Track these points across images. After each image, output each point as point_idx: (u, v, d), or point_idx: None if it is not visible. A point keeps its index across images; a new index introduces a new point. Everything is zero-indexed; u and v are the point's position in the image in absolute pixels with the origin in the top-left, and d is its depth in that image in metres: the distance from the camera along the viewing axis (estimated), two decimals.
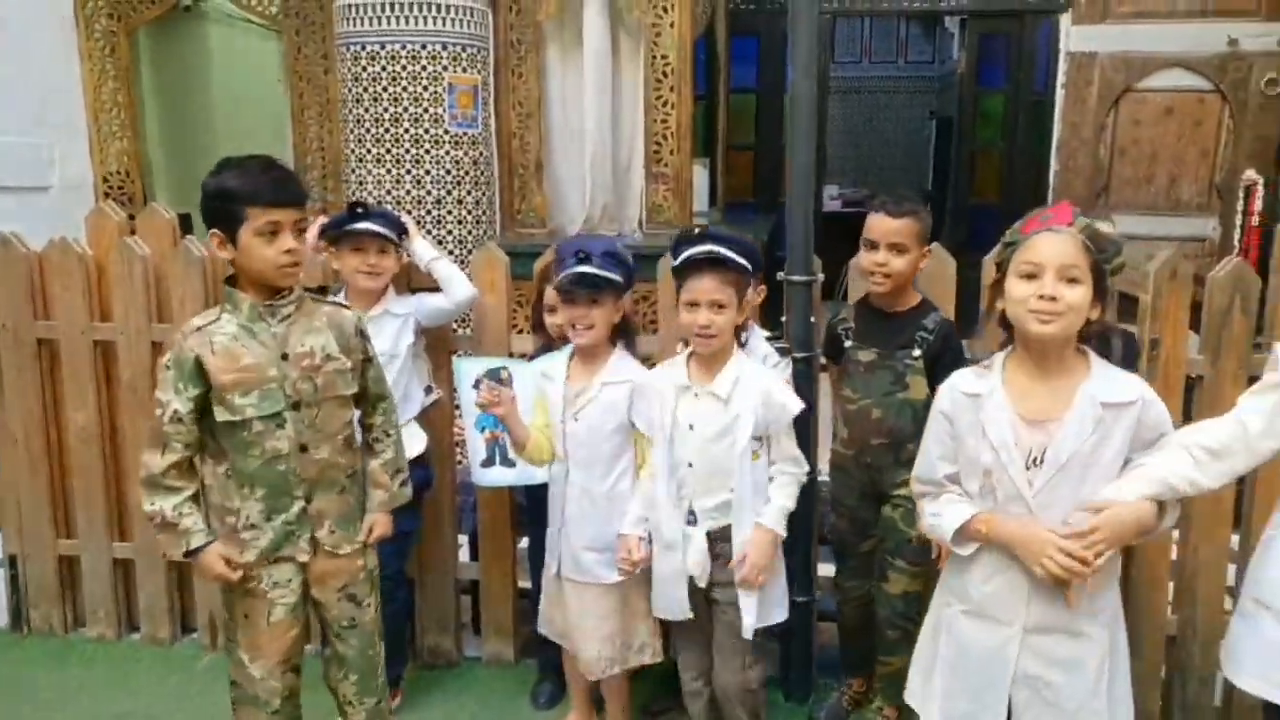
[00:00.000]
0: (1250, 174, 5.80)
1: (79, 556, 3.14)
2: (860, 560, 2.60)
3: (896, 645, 2.48)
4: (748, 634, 2.22)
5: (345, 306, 2.17)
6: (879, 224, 2.39)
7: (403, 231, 2.67)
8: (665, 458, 2.21)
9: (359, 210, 2.62)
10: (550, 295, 2.50)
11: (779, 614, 2.32)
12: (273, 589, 2.05)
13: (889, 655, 2.55)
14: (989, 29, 7.34)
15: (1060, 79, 6.07)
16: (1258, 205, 5.48)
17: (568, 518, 2.35)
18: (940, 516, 1.79)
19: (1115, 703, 1.76)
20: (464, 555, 3.06)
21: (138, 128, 4.47)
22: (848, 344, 2.53)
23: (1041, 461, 1.68)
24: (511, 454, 2.52)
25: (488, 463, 2.70)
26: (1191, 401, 2.61)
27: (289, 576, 2.06)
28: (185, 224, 3.12)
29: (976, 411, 1.74)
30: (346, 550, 2.12)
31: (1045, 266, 1.66)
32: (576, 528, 2.34)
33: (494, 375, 2.61)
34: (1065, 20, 6.06)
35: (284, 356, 1.97)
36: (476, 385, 2.58)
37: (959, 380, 1.82)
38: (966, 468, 1.78)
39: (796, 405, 2.22)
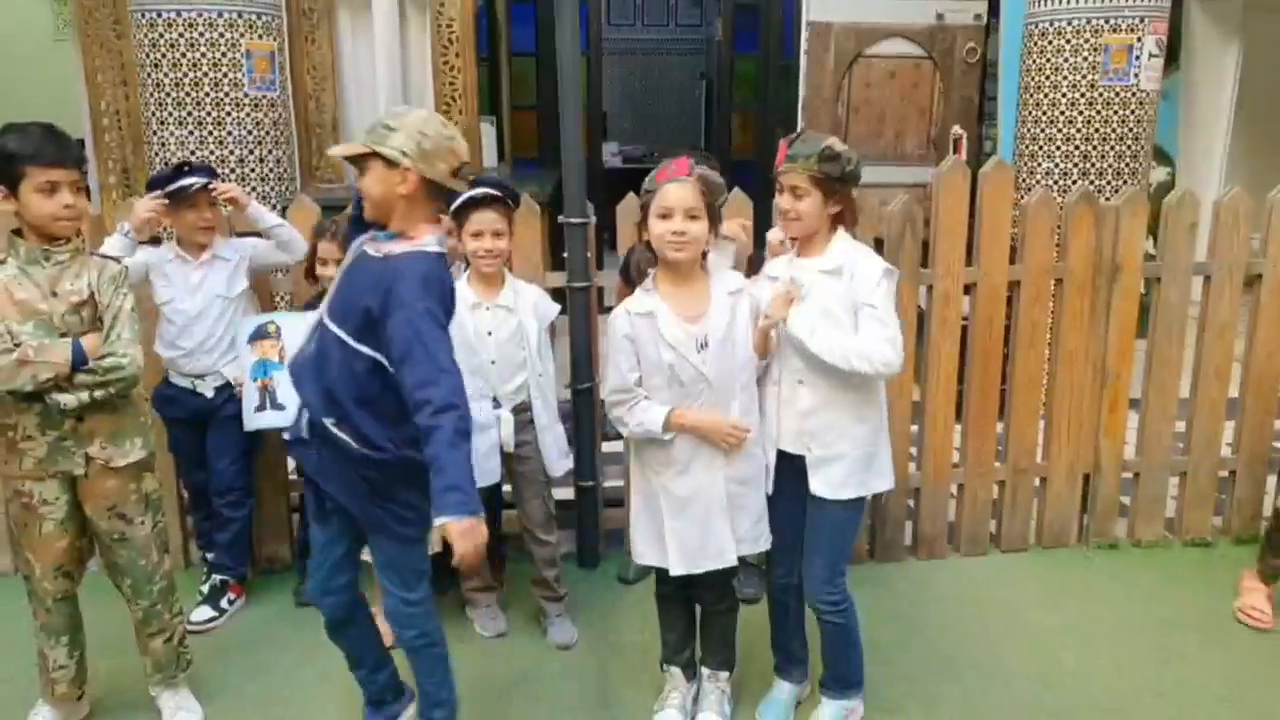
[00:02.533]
0: (957, 129, 6.84)
1: None
2: None
3: None
4: (555, 472, 2.96)
5: (116, 260, 2.43)
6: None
7: (213, 175, 3.06)
8: (465, 362, 2.75)
9: (185, 169, 2.97)
10: (322, 249, 2.96)
11: (566, 464, 3.06)
12: (41, 505, 2.38)
13: None
14: (742, 0, 8.12)
15: (803, 46, 6.75)
16: (964, 154, 6.51)
17: None
18: (643, 422, 2.33)
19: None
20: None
21: None
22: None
23: (706, 344, 2.30)
24: (281, 399, 2.97)
25: (260, 408, 3.04)
26: None
27: (56, 494, 2.37)
28: None
29: (652, 323, 2.31)
30: (119, 463, 2.37)
31: (674, 209, 2.23)
32: None
33: (263, 332, 3.04)
34: None
35: (54, 294, 2.29)
36: (250, 341, 3.03)
37: (631, 304, 2.36)
38: (649, 370, 2.34)
39: (555, 306, 2.97)
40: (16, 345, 2.23)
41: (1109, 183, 4.69)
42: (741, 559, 2.43)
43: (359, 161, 2.13)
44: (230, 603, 3.17)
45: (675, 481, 2.37)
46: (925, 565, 3.51)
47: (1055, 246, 3.43)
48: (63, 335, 2.28)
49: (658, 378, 2.33)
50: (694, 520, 2.37)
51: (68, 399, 2.26)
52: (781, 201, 2.31)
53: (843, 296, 2.29)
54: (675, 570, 2.39)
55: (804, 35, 6.79)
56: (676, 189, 2.24)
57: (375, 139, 2.08)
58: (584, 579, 3.40)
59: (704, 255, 2.35)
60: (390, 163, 2.06)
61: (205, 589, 3.18)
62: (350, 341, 2.10)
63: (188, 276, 3.05)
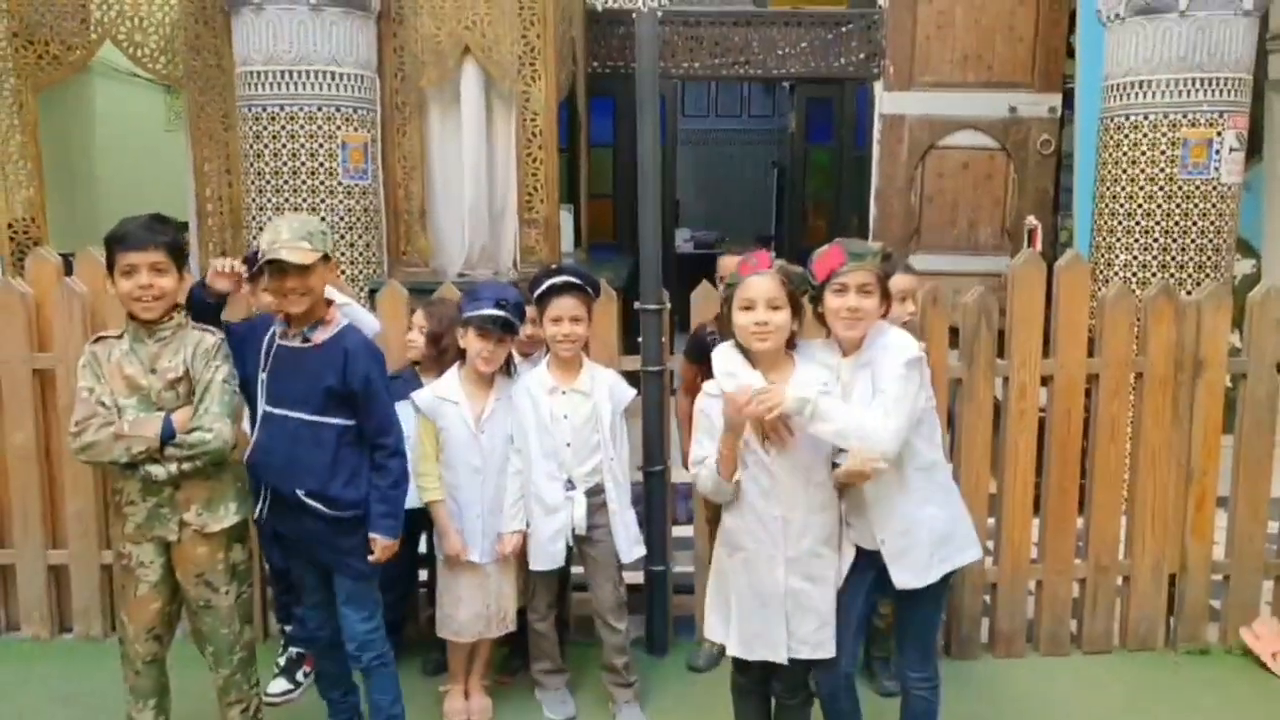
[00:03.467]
0: (1031, 219, 6.83)
1: (14, 565, 3.46)
2: None
3: None
4: (626, 558, 2.96)
5: (213, 333, 2.53)
6: (725, 261, 3.15)
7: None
8: (539, 444, 2.87)
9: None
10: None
11: (639, 550, 3.04)
12: (139, 567, 2.49)
13: None
14: (815, 93, 8.29)
15: (876, 137, 6.87)
16: (1038, 245, 6.49)
17: (485, 511, 2.91)
18: (702, 473, 2.40)
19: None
20: None
21: (41, 177, 4.77)
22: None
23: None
24: None
25: None
26: (954, 397, 3.39)
27: (151, 558, 2.48)
28: (69, 265, 3.49)
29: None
30: (214, 529, 2.47)
31: (757, 300, 2.30)
32: (493, 517, 2.92)
33: None
34: (878, 87, 6.92)
35: (153, 370, 2.43)
36: None
37: (711, 387, 2.42)
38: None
39: (631, 391, 3.03)
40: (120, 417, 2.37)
41: (1190, 275, 4.64)
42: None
43: (293, 268, 2.42)
44: (305, 675, 3.22)
45: (740, 564, 2.40)
46: (1003, 664, 3.41)
47: (1135, 340, 3.39)
48: (159, 410, 2.40)
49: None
50: (751, 607, 2.38)
51: (158, 470, 2.39)
52: (848, 301, 2.31)
53: (869, 387, 2.32)
54: (730, 650, 2.43)
55: (877, 127, 6.91)
56: (759, 281, 2.31)
57: (323, 243, 2.48)
58: (653, 665, 3.37)
59: (791, 345, 2.40)
60: (325, 260, 2.49)
61: (281, 661, 3.24)
62: (317, 419, 2.50)
63: None
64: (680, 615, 3.53)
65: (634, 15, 2.95)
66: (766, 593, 2.36)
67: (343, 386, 2.49)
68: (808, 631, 2.37)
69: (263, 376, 2.53)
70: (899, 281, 2.92)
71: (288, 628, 3.29)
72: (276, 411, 2.51)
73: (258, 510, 2.59)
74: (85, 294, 3.32)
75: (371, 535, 2.57)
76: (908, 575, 2.33)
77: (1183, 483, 3.43)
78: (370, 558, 2.58)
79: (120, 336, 2.46)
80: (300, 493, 2.50)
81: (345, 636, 2.65)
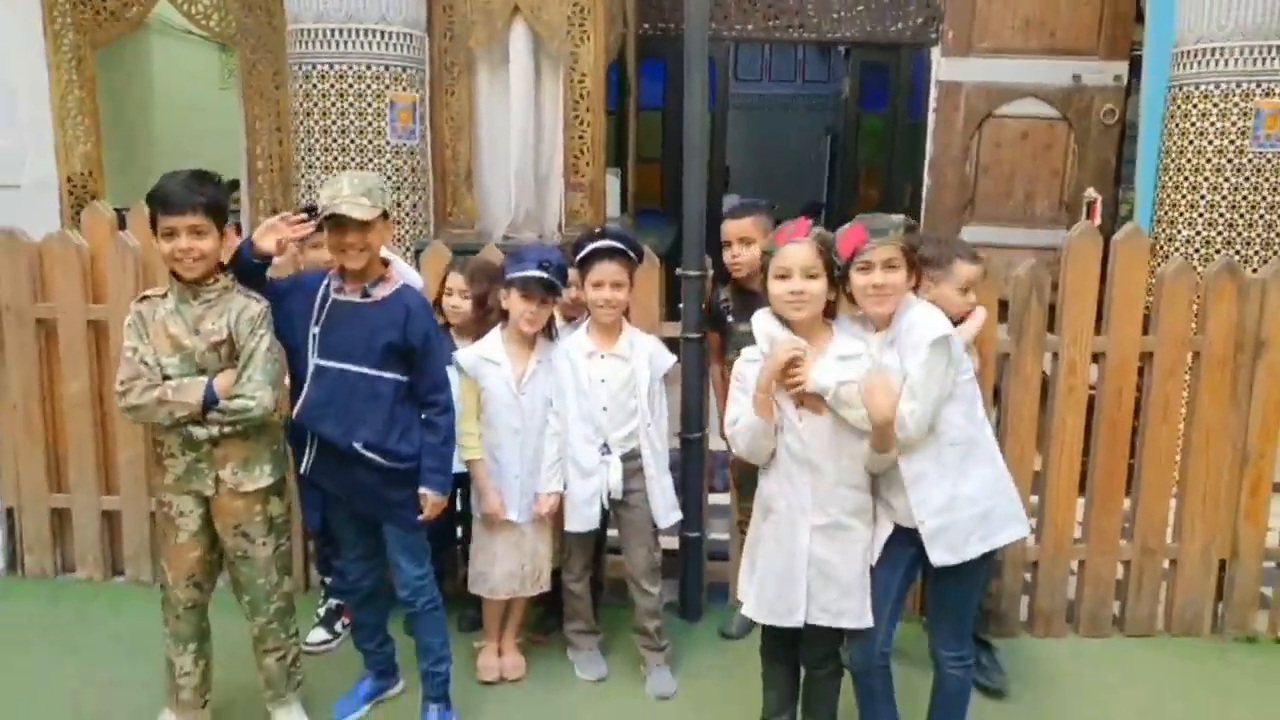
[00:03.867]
0: (1091, 191, 6.63)
1: (69, 509, 3.57)
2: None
3: None
4: (663, 523, 2.96)
5: (258, 300, 2.54)
6: (728, 225, 3.11)
7: None
8: (577, 408, 2.87)
9: (312, 210, 3.10)
10: (451, 279, 3.16)
11: (675, 515, 3.04)
12: (179, 516, 2.54)
13: None
14: (870, 58, 8.12)
15: (932, 104, 6.67)
16: (1097, 218, 6.31)
17: (524, 471, 2.93)
18: (739, 426, 2.38)
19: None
20: None
21: (99, 133, 4.85)
22: (729, 319, 3.16)
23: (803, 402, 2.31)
24: None
25: None
26: (1001, 372, 3.32)
27: (190, 508, 2.53)
28: (123, 219, 3.54)
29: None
30: (249, 488, 2.51)
31: (792, 269, 2.29)
32: (531, 478, 2.95)
33: None
34: (936, 53, 6.75)
35: (196, 331, 2.45)
36: None
37: (750, 352, 2.41)
38: None
39: (671, 358, 3.01)
40: (166, 378, 2.42)
41: (1256, 253, 4.48)
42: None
43: (353, 223, 2.45)
44: (344, 627, 3.28)
45: (770, 527, 2.41)
46: (1041, 643, 3.36)
47: (1193, 318, 3.29)
48: (202, 371, 2.44)
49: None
50: (773, 569, 2.38)
51: (200, 432, 2.44)
52: (874, 278, 2.28)
53: (896, 366, 2.28)
54: (746, 611, 2.44)
55: (933, 94, 6.73)
56: (795, 249, 2.29)
57: (381, 200, 2.51)
58: (685, 631, 3.38)
59: (830, 314, 2.38)
60: (384, 218, 2.52)
61: (321, 612, 3.31)
62: (374, 372, 2.53)
63: None
64: (714, 582, 3.53)
65: None
66: (789, 556, 2.35)
67: (403, 342, 2.53)
68: (828, 599, 2.35)
69: (314, 330, 2.55)
70: (962, 271, 2.83)
71: (328, 579, 3.36)
72: (332, 365, 2.53)
73: (303, 464, 2.62)
74: (138, 248, 3.38)
75: (422, 491, 2.61)
76: (945, 552, 2.29)
77: (1237, 466, 3.33)
78: (420, 516, 2.62)
79: (165, 296, 2.49)
80: (358, 445, 2.52)
81: (399, 584, 2.70)
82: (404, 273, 3.06)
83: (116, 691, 2.96)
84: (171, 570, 2.59)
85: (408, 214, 4.75)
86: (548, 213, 5.36)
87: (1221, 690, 3.11)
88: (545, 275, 2.81)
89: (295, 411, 2.57)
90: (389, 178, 4.64)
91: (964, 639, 2.43)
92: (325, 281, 2.59)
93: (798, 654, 2.54)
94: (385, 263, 2.64)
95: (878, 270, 2.28)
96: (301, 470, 2.64)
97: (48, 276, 3.43)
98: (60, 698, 2.93)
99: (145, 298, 2.52)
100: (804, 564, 2.34)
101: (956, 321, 2.63)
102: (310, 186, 4.62)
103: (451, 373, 2.88)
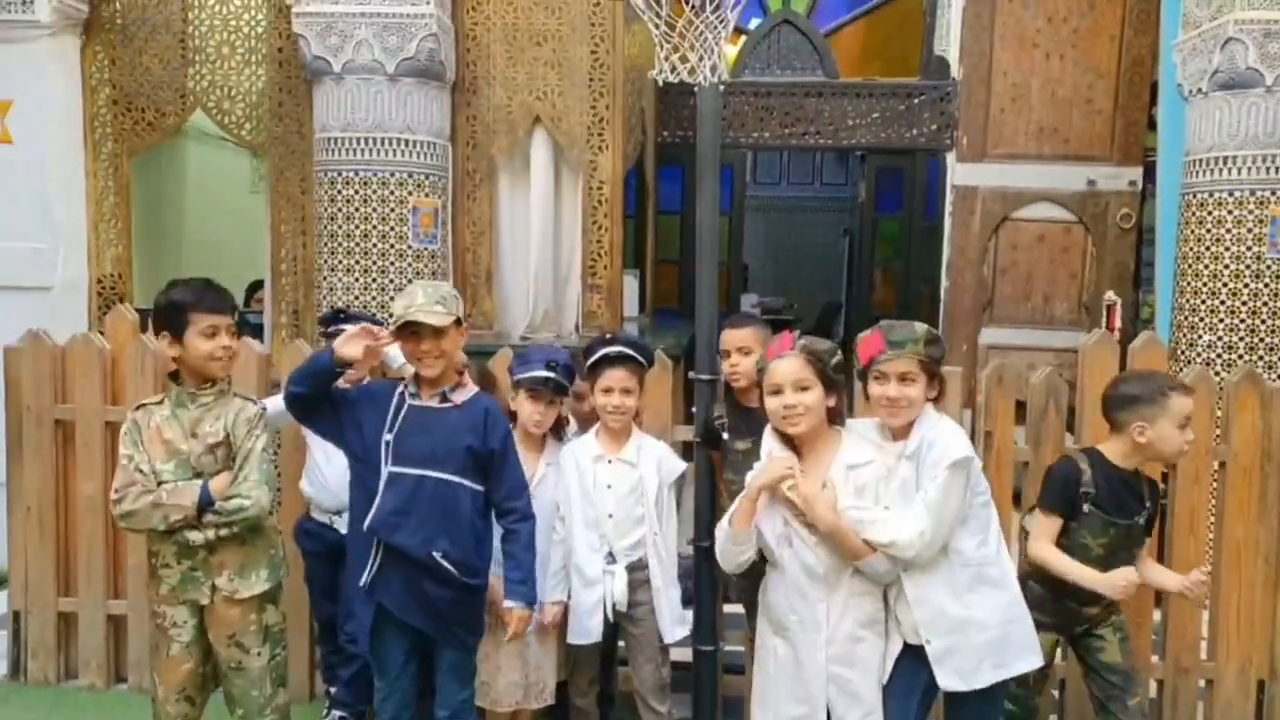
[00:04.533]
0: (1110, 295, 6.62)
1: (76, 613, 3.53)
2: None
3: None
4: (669, 638, 2.87)
5: (253, 402, 2.62)
6: (726, 335, 3.03)
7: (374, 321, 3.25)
8: (582, 514, 2.83)
9: (341, 314, 3.21)
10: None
11: (682, 630, 2.94)
12: (172, 628, 2.52)
13: None
14: (885, 163, 8.26)
15: (948, 208, 6.73)
16: (1117, 321, 6.29)
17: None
18: (719, 532, 2.38)
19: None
20: None
21: (130, 235, 4.98)
22: (725, 436, 3.07)
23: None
24: None
25: None
26: (1021, 478, 3.26)
27: (185, 618, 2.52)
28: (146, 321, 3.59)
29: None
30: (244, 594, 2.50)
31: (783, 384, 2.27)
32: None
33: None
34: (950, 158, 6.84)
35: (193, 435, 2.48)
36: None
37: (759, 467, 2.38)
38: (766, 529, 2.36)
39: (681, 464, 2.97)
40: (160, 484, 2.42)
41: (1279, 360, 4.42)
42: None
43: (429, 330, 2.48)
44: None
45: (779, 643, 2.34)
46: None
47: (1216, 427, 3.24)
48: (198, 475, 2.45)
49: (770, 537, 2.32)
50: (790, 689, 2.30)
51: (195, 536, 2.44)
52: (888, 390, 2.27)
53: (912, 479, 2.26)
54: None
55: (949, 198, 6.80)
56: (783, 365, 2.29)
57: (455, 308, 2.51)
58: None
59: (835, 420, 2.35)
60: (458, 324, 2.54)
61: None
62: (455, 479, 2.51)
63: None
64: (729, 695, 3.41)
65: (696, 89, 2.96)
66: (809, 677, 2.28)
67: (483, 446, 2.54)
68: (852, 718, 2.27)
69: (388, 438, 2.53)
70: (1178, 405, 2.54)
71: (332, 690, 3.28)
72: (409, 471, 2.50)
73: (364, 577, 2.54)
74: (158, 350, 3.41)
75: (507, 605, 2.59)
76: (954, 678, 2.22)
77: (1271, 580, 3.23)
78: (510, 632, 2.61)
79: (161, 403, 2.53)
80: (437, 555, 2.48)
81: (439, 704, 2.65)
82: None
83: None
84: (163, 684, 2.55)
85: None
86: (565, 314, 5.41)
87: None
88: (552, 375, 2.81)
89: (368, 521, 2.52)
90: (410, 281, 4.71)
91: None
92: (399, 390, 2.59)
93: None
94: (460, 371, 2.65)
95: (892, 383, 2.27)
96: (362, 583, 2.56)
97: (69, 378, 3.47)
98: None
99: (141, 406, 2.56)
100: (824, 684, 2.27)
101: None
102: (331, 288, 4.69)
103: None
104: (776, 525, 2.31)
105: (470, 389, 2.62)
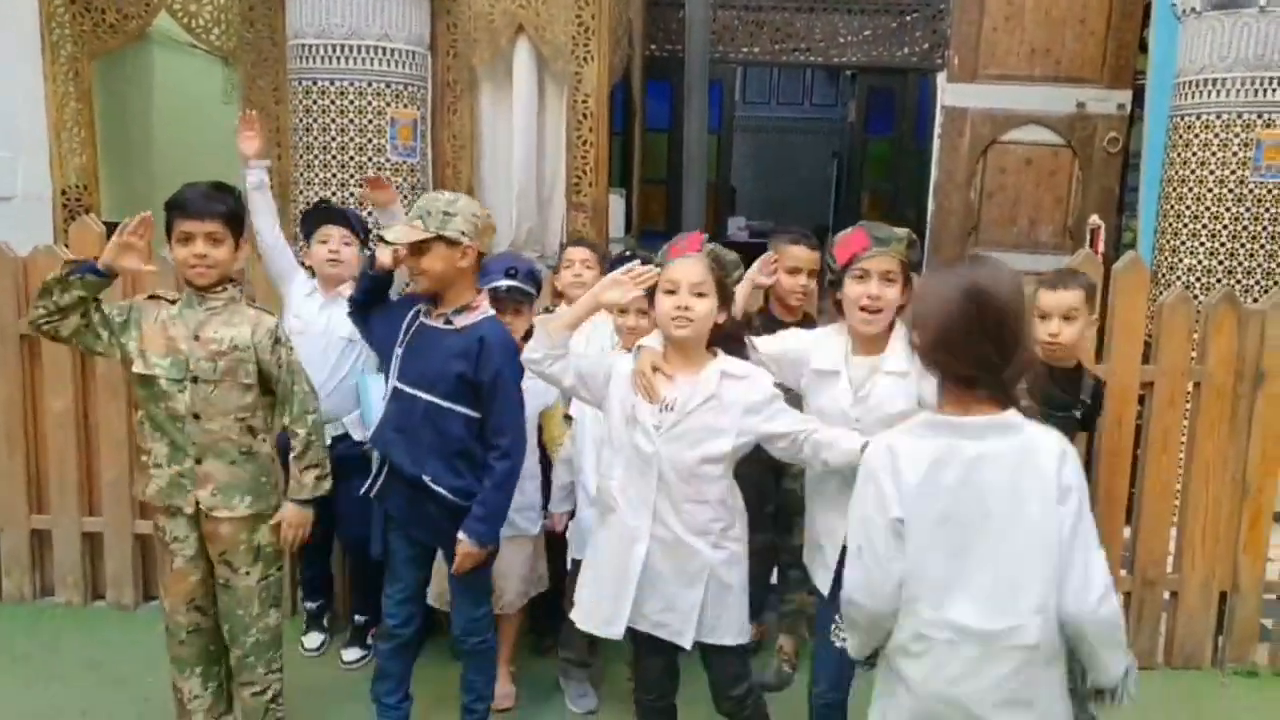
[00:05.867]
0: (1094, 219, 6.60)
1: (50, 530, 3.52)
2: (761, 520, 2.97)
3: (799, 584, 3.01)
4: None
5: (269, 312, 2.55)
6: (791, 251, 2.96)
7: (365, 230, 3.18)
8: (592, 433, 2.77)
9: (323, 205, 3.17)
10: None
11: None
12: (173, 542, 2.48)
13: (791, 594, 3.13)
14: (876, 83, 8.11)
15: (937, 130, 6.69)
16: (1100, 245, 6.28)
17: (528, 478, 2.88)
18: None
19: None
20: None
21: (95, 145, 4.84)
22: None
23: (671, 407, 2.18)
24: None
25: None
26: None
27: (185, 533, 2.47)
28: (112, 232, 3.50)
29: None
30: (223, 514, 2.43)
31: (680, 284, 2.15)
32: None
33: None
34: (941, 78, 6.73)
35: (196, 338, 2.40)
36: None
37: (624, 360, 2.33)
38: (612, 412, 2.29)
39: None
40: (153, 377, 2.38)
41: (1258, 283, 4.42)
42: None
43: (409, 246, 2.39)
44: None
45: (604, 532, 2.32)
46: None
47: (1193, 348, 3.25)
48: (194, 380, 2.38)
49: (616, 416, 2.27)
50: (604, 574, 2.29)
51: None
52: (869, 288, 2.20)
53: (908, 399, 2.18)
54: (575, 618, 2.35)
55: (938, 119, 6.74)
56: (686, 264, 2.18)
57: (439, 224, 2.38)
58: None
59: (718, 337, 2.26)
60: (452, 243, 2.40)
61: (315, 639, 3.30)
62: (444, 404, 2.44)
63: (314, 312, 3.12)
64: None
65: (684, 1, 2.86)
66: (624, 566, 2.23)
67: (474, 375, 2.44)
68: (652, 606, 2.24)
69: (398, 352, 2.50)
70: (1064, 299, 2.59)
71: (310, 605, 3.31)
72: (407, 390, 2.48)
73: (370, 486, 2.55)
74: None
75: (459, 536, 2.47)
76: None
77: (1238, 497, 3.28)
78: (456, 565, 2.50)
79: (173, 302, 2.46)
80: (426, 478, 2.45)
81: (454, 621, 2.65)
82: None
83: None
84: (169, 596, 2.53)
85: None
86: (549, 232, 5.33)
87: None
88: (514, 283, 2.76)
89: (370, 432, 2.52)
90: None
91: None
92: (416, 305, 2.55)
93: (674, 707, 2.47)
94: (478, 291, 2.57)
95: (875, 280, 2.20)
96: (365, 491, 2.56)
97: (33, 292, 3.37)
98: None
99: (154, 296, 2.49)
100: (636, 573, 2.22)
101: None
102: (308, 202, 4.59)
103: None
104: (625, 407, 2.23)
105: (477, 314, 2.51)
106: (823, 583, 2.37)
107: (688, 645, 2.26)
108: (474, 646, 2.66)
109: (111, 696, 3.00)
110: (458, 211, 2.44)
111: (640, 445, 2.19)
